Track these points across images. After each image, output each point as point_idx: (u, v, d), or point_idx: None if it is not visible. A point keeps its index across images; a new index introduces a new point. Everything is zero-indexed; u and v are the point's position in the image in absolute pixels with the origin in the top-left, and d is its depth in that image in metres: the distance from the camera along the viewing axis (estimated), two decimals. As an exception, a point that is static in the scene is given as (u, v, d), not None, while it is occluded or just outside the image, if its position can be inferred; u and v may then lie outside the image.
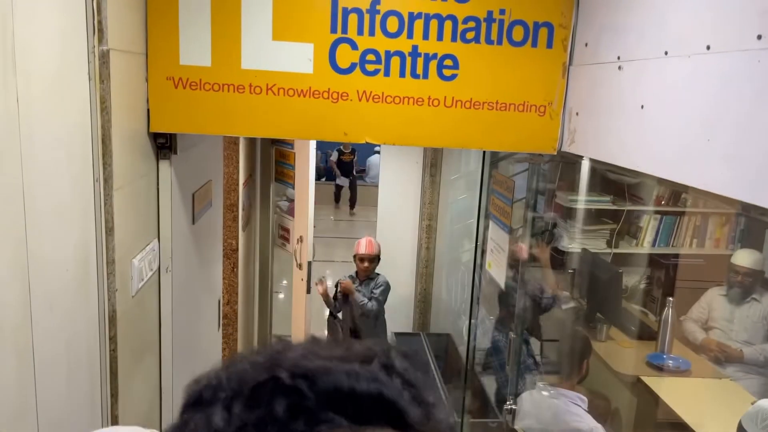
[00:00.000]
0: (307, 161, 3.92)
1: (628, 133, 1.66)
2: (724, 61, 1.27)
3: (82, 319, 1.56)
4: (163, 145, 2.03)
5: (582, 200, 4.26)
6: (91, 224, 1.59)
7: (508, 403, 2.76)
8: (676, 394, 3.27)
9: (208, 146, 2.69)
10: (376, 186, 5.34)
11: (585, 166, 2.80)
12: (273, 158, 4.72)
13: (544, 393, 2.69)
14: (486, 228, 3.71)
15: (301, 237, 4.07)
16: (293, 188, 4.32)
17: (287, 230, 4.66)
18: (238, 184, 3.81)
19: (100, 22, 1.55)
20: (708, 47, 1.33)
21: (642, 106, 1.58)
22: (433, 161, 4.90)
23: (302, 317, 4.19)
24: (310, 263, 4.08)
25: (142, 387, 2.04)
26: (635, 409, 3.44)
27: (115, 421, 1.74)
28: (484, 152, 3.83)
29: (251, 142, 4.57)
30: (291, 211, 4.88)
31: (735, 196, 1.22)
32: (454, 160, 5.00)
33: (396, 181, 5.13)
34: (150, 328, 2.09)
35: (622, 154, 1.68)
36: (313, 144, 3.90)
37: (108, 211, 1.64)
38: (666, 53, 1.49)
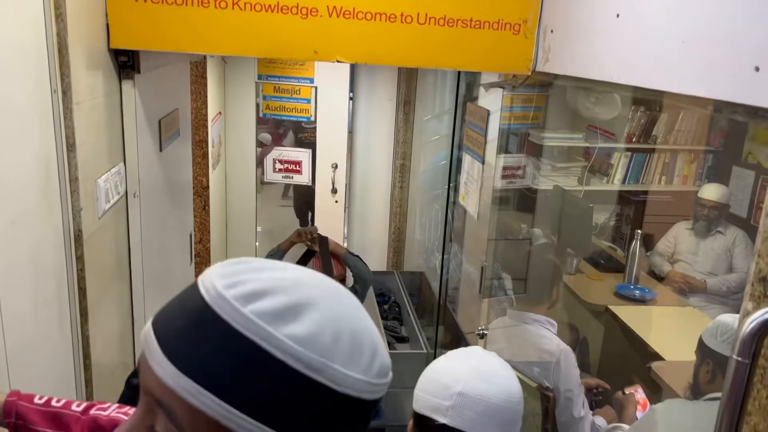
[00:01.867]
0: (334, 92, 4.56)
1: (603, 44, 1.64)
2: (701, -41, 1.25)
3: (48, 238, 1.52)
4: (126, 63, 1.95)
5: (554, 137, 4.27)
6: (51, 139, 1.53)
7: (479, 328, 2.81)
8: (642, 321, 3.37)
9: (173, 71, 2.60)
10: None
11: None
12: (260, 93, 4.66)
13: (515, 318, 2.74)
14: (460, 162, 3.71)
15: (335, 164, 4.76)
16: (305, 120, 4.69)
17: (293, 162, 4.77)
18: (206, 120, 3.72)
19: None
20: (686, -54, 1.30)
21: (617, 15, 1.56)
22: (407, 99, 4.83)
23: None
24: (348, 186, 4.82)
25: (114, 312, 2.02)
26: (602, 337, 3.54)
27: (86, 342, 1.72)
28: (458, 86, 3.79)
29: (221, 76, 4.45)
30: (277, 144, 4.96)
31: (710, 96, 1.21)
32: (429, 99, 4.95)
33: (369, 122, 5.07)
34: (119, 254, 2.05)
35: (597, 67, 1.67)
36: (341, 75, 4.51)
37: (68, 126, 1.57)
38: (643, -43, 1.46)
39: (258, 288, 0.56)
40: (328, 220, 4.88)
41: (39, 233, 1.47)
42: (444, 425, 1.20)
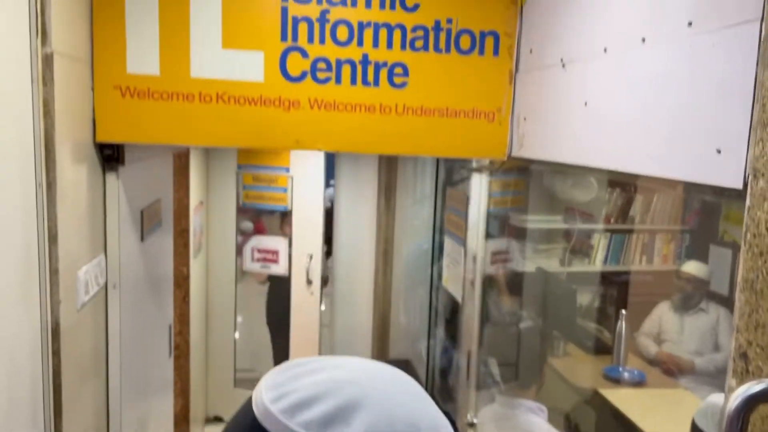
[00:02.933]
0: (309, 180, 4.52)
1: (574, 130, 1.71)
2: (658, 51, 1.33)
3: (25, 330, 1.49)
4: (111, 156, 1.99)
5: (534, 220, 4.35)
6: (33, 231, 1.53)
7: (468, 416, 2.74)
8: (633, 404, 3.31)
9: (157, 163, 2.64)
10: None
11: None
12: (239, 183, 4.68)
13: (504, 405, 2.68)
14: (442, 246, 3.73)
15: (311, 254, 4.63)
16: (282, 211, 4.68)
17: (271, 251, 4.66)
18: (188, 209, 3.74)
19: (44, 24, 1.52)
20: (643, 40, 1.39)
21: (586, 103, 1.64)
22: (388, 185, 4.92)
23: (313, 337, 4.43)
24: (325, 278, 4.66)
25: (89, 407, 1.94)
26: (594, 422, 3.46)
27: (58, 442, 1.65)
28: (438, 172, 3.89)
29: (203, 167, 4.52)
30: (260, 233, 4.90)
31: (676, 177, 1.26)
32: (410, 184, 5.05)
33: (351, 208, 5.13)
34: (97, 348, 2.01)
35: (569, 151, 1.73)
36: (316, 163, 4.48)
37: (51, 219, 1.58)
38: (605, 50, 1.55)
39: (303, 397, 0.54)
40: (305, 312, 4.72)
41: (15, 326, 1.44)
42: None
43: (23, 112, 1.46)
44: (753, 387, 0.89)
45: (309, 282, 4.74)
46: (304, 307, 4.75)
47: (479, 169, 2.51)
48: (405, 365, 5.00)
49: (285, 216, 5.08)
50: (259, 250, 4.65)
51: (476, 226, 2.72)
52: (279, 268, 4.66)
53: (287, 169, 4.58)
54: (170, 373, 3.29)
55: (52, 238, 1.58)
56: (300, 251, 4.70)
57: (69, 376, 1.69)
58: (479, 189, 2.56)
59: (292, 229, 4.69)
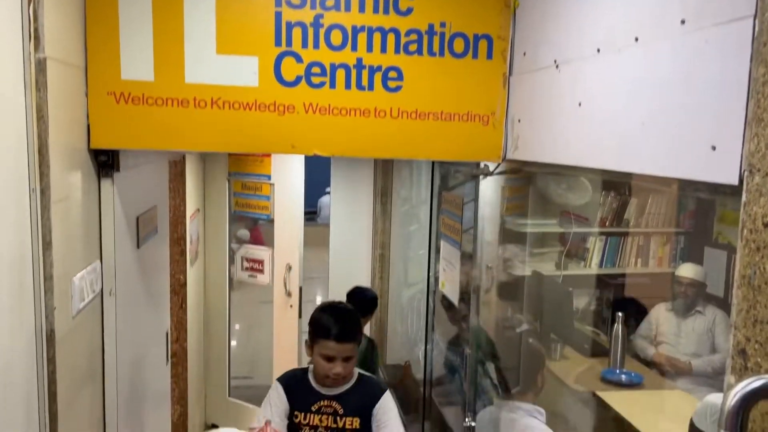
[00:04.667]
0: (289, 188, 4.27)
1: (568, 131, 1.71)
2: (652, 50, 1.34)
3: (19, 337, 1.48)
4: (105, 162, 1.98)
5: (529, 224, 4.35)
6: (27, 237, 1.52)
7: (466, 420, 2.72)
8: (631, 406, 3.31)
9: (152, 169, 2.63)
10: (328, 226, 5.29)
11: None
12: (230, 190, 4.62)
13: (502, 408, 2.67)
14: (438, 251, 3.73)
15: (289, 265, 4.36)
16: (265, 218, 4.50)
17: (257, 261, 4.52)
18: (184, 217, 3.73)
19: (36, 30, 1.52)
20: (636, 39, 1.40)
21: (579, 104, 1.64)
22: (384, 190, 4.93)
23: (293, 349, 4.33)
24: (301, 288, 4.40)
25: (85, 415, 1.93)
26: (592, 425, 3.45)
27: (53, 450, 1.64)
28: (433, 177, 3.89)
29: (199, 174, 4.51)
30: (256, 241, 4.82)
31: (671, 175, 1.26)
32: (406, 189, 5.05)
33: (347, 213, 5.13)
34: (93, 354, 1.99)
35: (564, 153, 1.73)
36: (295, 169, 4.24)
37: (45, 225, 1.57)
38: (598, 50, 1.56)
39: None
40: (284, 322, 4.52)
41: (9, 332, 1.43)
42: None
43: (16, 118, 1.46)
44: (752, 383, 0.89)
45: (288, 294, 4.46)
46: (284, 318, 4.53)
47: (475, 174, 2.51)
48: (402, 370, 4.99)
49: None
50: (248, 260, 4.56)
51: (474, 231, 2.73)
52: (264, 278, 4.50)
53: (269, 177, 4.39)
54: (168, 381, 3.27)
55: (46, 244, 1.57)
56: (281, 261, 4.46)
57: (64, 383, 1.68)
58: (481, 194, 2.56)
59: (273, 238, 4.52)
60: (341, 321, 1.97)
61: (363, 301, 3.34)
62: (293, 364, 4.53)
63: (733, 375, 1.04)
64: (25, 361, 1.51)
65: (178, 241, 3.73)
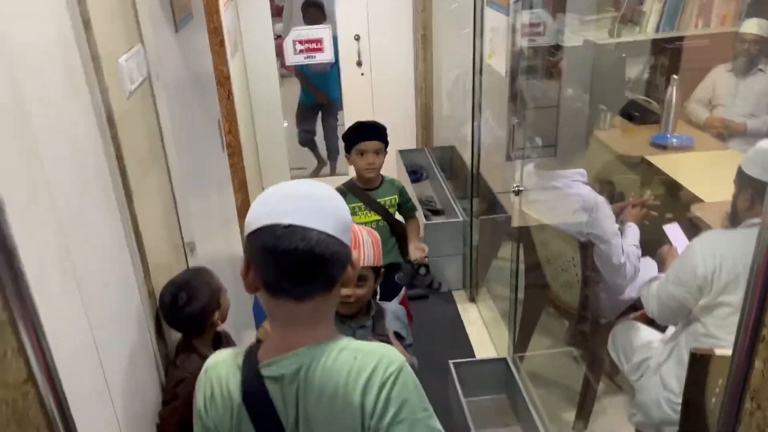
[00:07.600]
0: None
1: None
2: None
3: (79, 119, 1.54)
4: (129, -63, 1.88)
5: (581, -13, 4.03)
6: (66, 17, 1.51)
7: (514, 185, 2.81)
8: (680, 168, 3.32)
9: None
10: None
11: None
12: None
13: (545, 177, 2.72)
14: (483, 22, 3.56)
15: (358, 35, 4.90)
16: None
17: (313, 41, 4.62)
18: (218, 5, 3.61)
19: None
20: None
21: None
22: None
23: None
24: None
25: (156, 194, 2.07)
26: (639, 188, 3.52)
27: (134, 221, 1.79)
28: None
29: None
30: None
31: None
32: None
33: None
34: (152, 140, 2.07)
35: None
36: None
37: (82, 2, 1.55)
38: None
39: None
40: (356, 96, 4.86)
41: (69, 113, 1.48)
42: None
43: None
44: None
45: (359, 63, 4.94)
46: (356, 89, 4.96)
47: None
48: (450, 151, 5.09)
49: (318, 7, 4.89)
50: (301, 41, 4.56)
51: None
52: (325, 56, 4.66)
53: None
54: (227, 169, 3.44)
55: (86, 23, 1.56)
56: (346, 35, 4.86)
57: (131, 161, 1.78)
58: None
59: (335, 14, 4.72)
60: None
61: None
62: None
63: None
64: (90, 141, 1.59)
65: (214, 31, 3.65)
